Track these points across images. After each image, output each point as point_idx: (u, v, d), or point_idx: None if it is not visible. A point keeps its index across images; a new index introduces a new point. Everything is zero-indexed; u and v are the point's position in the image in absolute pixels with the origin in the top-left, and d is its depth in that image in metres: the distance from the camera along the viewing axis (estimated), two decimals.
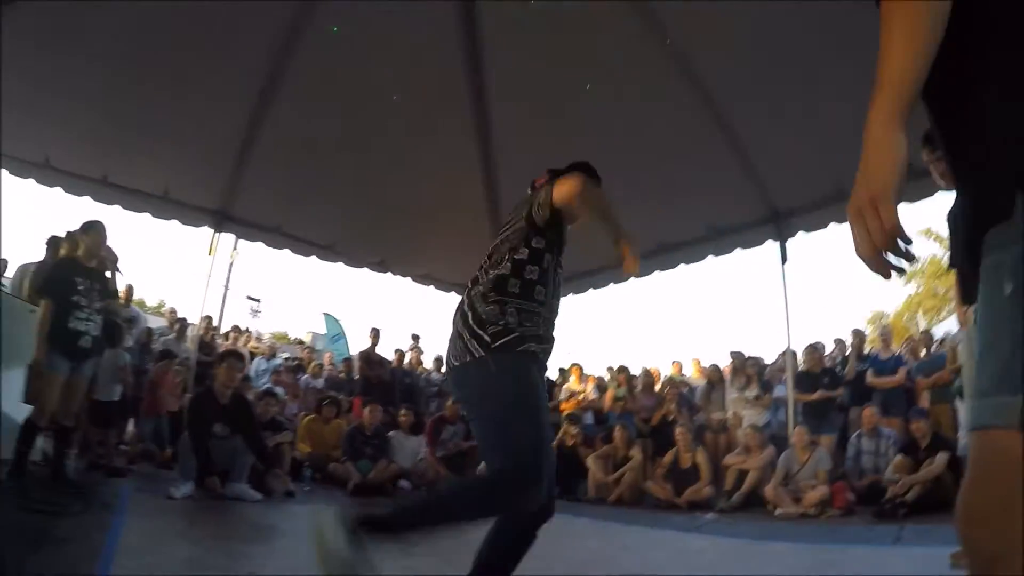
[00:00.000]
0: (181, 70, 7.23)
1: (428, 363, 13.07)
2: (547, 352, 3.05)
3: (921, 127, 1.43)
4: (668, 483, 8.58)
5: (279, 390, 10.99)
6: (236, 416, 6.98)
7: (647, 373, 11.39)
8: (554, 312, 3.10)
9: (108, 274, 6.32)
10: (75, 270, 5.83)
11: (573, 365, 12.02)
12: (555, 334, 3.12)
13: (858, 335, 10.18)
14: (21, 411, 5.67)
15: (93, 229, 6.01)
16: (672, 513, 7.97)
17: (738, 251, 8.99)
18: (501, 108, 8.04)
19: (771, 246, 8.67)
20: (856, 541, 5.48)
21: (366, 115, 7.98)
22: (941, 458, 6.71)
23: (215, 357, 7.90)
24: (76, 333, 5.66)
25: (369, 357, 11.59)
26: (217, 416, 6.88)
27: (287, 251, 10.18)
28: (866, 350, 9.95)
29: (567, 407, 10.91)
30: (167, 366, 8.66)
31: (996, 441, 1.08)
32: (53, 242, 7.33)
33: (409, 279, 11.45)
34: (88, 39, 6.80)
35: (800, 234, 8.42)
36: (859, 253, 1.24)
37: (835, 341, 10.85)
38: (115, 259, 6.55)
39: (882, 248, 1.20)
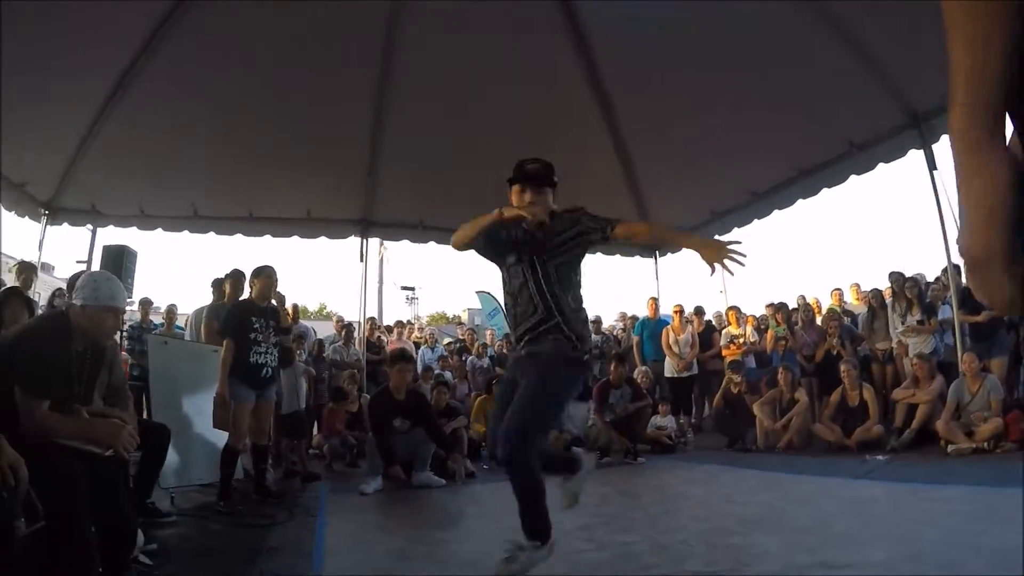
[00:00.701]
0: (290, 97, 7.90)
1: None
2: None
3: None
4: (837, 424, 8.50)
5: (448, 374, 11.48)
6: (413, 410, 7.48)
7: (806, 307, 11.19)
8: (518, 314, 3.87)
9: (279, 311, 6.93)
10: (251, 311, 6.41)
11: (730, 309, 11.99)
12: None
13: None
14: (219, 439, 6.33)
15: (263, 273, 6.56)
16: (843, 456, 7.92)
17: (881, 166, 8.58)
18: (616, 75, 8.22)
19: (916, 155, 8.19)
20: None
21: (478, 100, 8.37)
22: None
23: (384, 357, 8.39)
24: (258, 366, 6.26)
25: None
26: (395, 412, 7.40)
27: (432, 243, 10.68)
28: None
29: (728, 354, 10.96)
30: (340, 405, 9.15)
31: None
32: (217, 283, 8.28)
33: None
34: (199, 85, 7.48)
35: (945, 138, 7.88)
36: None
37: None
38: (282, 299, 7.21)
39: (1007, 310, 0.97)
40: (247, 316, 6.35)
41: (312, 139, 8.57)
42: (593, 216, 3.82)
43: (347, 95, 8.16)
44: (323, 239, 10.37)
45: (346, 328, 11.74)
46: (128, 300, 8.56)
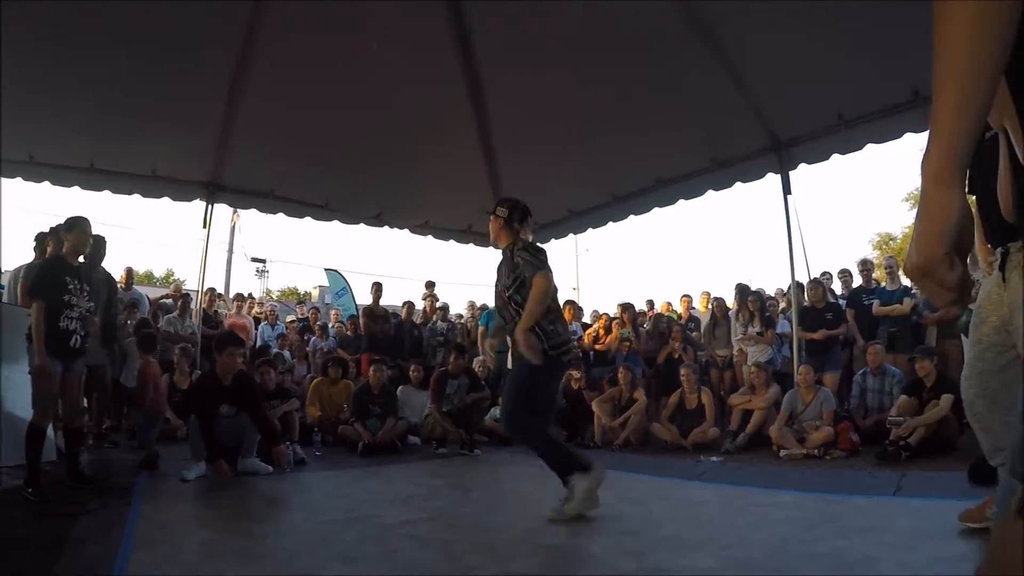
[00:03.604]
0: (152, 49, 7.08)
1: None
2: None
3: None
4: (674, 424, 8.62)
5: (287, 354, 10.99)
6: (240, 395, 6.94)
7: (652, 312, 11.33)
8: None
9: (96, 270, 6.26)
10: (64, 269, 5.71)
11: (566, 304, 11.90)
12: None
13: (866, 265, 10.06)
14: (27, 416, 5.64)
15: (76, 226, 5.86)
16: (678, 456, 8.01)
17: (738, 185, 8.85)
18: (488, 48, 7.84)
19: (773, 179, 8.51)
20: (857, 490, 5.46)
21: (345, 71, 7.84)
22: (946, 400, 6.69)
23: (215, 339, 7.81)
24: (67, 333, 5.58)
25: (373, 312, 11.50)
26: (221, 397, 6.86)
27: (281, 215, 10.10)
28: (873, 281, 9.84)
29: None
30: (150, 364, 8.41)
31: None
32: (40, 239, 7.33)
33: (407, 230, 11.32)
34: (52, 29, 6.67)
35: (802, 166, 8.27)
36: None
37: (840, 272, 10.69)
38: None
39: (946, 305, 1.11)
40: (59, 275, 5.65)
41: (166, 90, 7.77)
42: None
43: (209, 45, 7.47)
44: (167, 200, 9.49)
45: (182, 298, 11.07)
46: None
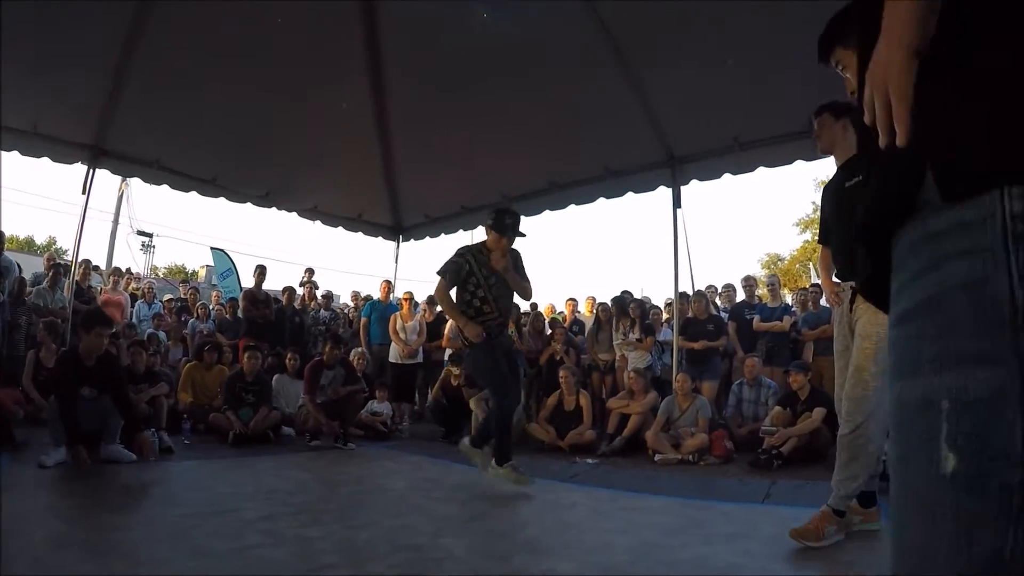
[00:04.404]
0: None
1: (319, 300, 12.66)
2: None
3: None
4: (551, 426, 8.62)
5: (162, 335, 10.55)
6: (104, 377, 6.55)
7: (536, 313, 11.33)
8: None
9: None
10: None
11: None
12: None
13: (749, 281, 10.28)
14: None
15: None
16: (555, 457, 7.97)
17: (630, 194, 9.01)
18: (392, 35, 7.74)
19: (664, 192, 8.72)
20: (727, 497, 5.53)
21: (245, 43, 7.54)
22: (818, 412, 6.91)
23: (81, 316, 7.37)
24: None
25: (254, 296, 11.10)
26: (84, 379, 6.45)
27: (166, 186, 9.63)
28: (755, 298, 10.05)
29: (448, 346, 10.72)
30: None
31: None
32: None
33: (295, 213, 11.04)
34: None
35: (695, 182, 8.45)
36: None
37: (724, 287, 10.91)
38: None
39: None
40: None
41: (53, 40, 7.26)
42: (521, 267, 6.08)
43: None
44: (46, 160, 8.90)
45: (54, 268, 10.39)
46: None
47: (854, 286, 3.92)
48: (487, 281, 5.81)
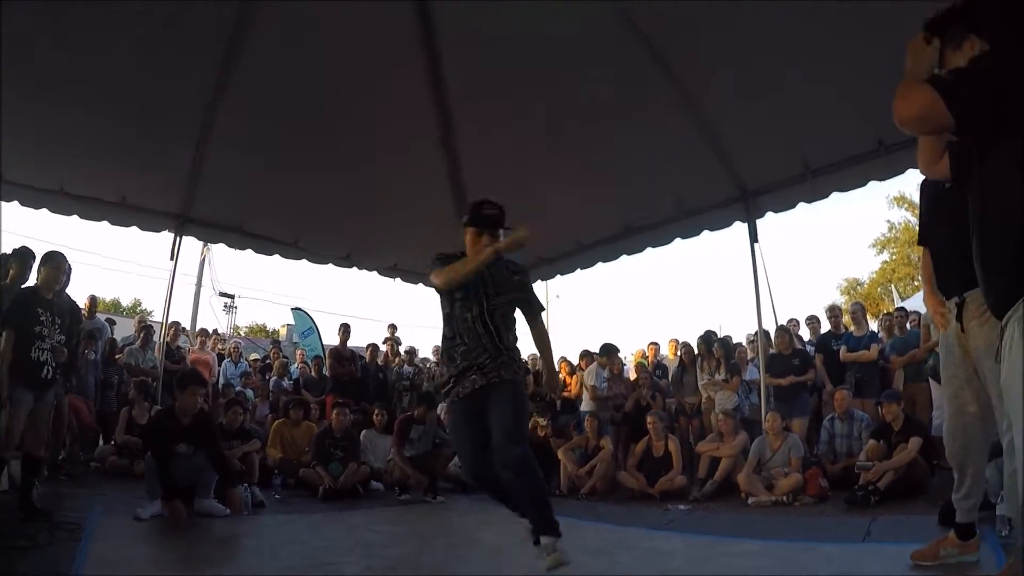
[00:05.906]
0: (127, 77, 6.98)
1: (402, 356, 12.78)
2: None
3: None
4: (641, 472, 8.50)
5: (249, 392, 10.79)
6: (199, 434, 6.78)
7: (620, 359, 11.24)
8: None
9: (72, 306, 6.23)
10: (37, 301, 5.76)
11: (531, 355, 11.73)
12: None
13: (834, 311, 10.09)
14: None
15: (52, 261, 5.92)
16: (646, 504, 7.87)
17: (705, 233, 8.90)
18: (462, 100, 7.85)
19: (740, 227, 8.60)
20: (826, 538, 5.40)
21: (321, 111, 7.77)
22: (914, 443, 6.70)
23: (177, 377, 7.67)
24: (39, 364, 5.59)
25: (339, 354, 11.35)
26: (179, 436, 6.68)
27: (250, 251, 9.94)
28: (841, 327, 9.84)
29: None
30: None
31: None
32: (2, 260, 7.08)
33: (375, 272, 11.24)
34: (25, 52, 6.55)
35: (769, 214, 8.36)
36: None
37: (808, 319, 10.72)
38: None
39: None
40: (33, 306, 5.68)
41: (138, 117, 7.59)
42: (529, 286, 4.77)
43: (184, 78, 7.32)
44: (135, 229, 9.27)
45: (145, 330, 10.80)
46: None
47: (958, 301, 3.57)
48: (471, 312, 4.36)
